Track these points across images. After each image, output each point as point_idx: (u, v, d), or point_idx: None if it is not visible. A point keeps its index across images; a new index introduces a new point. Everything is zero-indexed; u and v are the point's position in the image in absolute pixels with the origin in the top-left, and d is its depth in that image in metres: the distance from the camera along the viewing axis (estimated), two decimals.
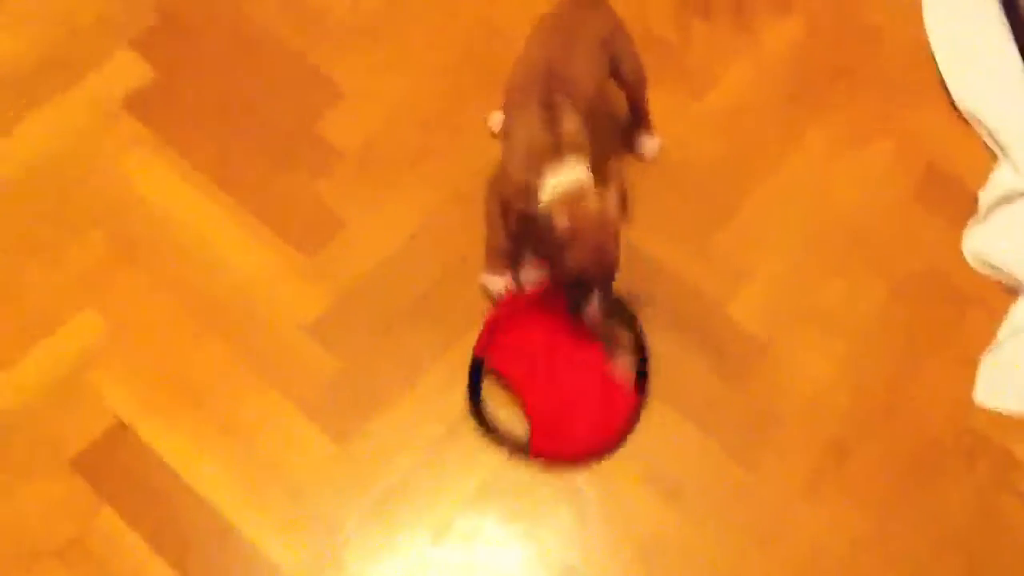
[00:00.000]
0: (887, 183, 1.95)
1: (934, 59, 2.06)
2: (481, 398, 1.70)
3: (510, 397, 1.71)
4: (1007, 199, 1.90)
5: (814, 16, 2.12)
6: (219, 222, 1.89)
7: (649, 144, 1.93)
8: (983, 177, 1.94)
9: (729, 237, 1.88)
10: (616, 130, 1.96)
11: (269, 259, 1.86)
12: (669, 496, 1.66)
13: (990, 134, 1.98)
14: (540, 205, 1.60)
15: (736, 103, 2.02)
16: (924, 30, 2.10)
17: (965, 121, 2.01)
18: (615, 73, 1.80)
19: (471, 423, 1.71)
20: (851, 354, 1.79)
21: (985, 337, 1.79)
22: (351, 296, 1.83)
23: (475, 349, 1.72)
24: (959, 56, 2.06)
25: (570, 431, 1.67)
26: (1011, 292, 1.83)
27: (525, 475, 1.68)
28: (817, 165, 1.97)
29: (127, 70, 2.03)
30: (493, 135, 1.93)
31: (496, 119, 1.95)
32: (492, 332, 1.73)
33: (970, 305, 1.83)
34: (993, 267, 1.84)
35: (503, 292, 1.76)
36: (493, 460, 1.69)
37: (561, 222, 1.57)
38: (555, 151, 1.62)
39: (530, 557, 1.61)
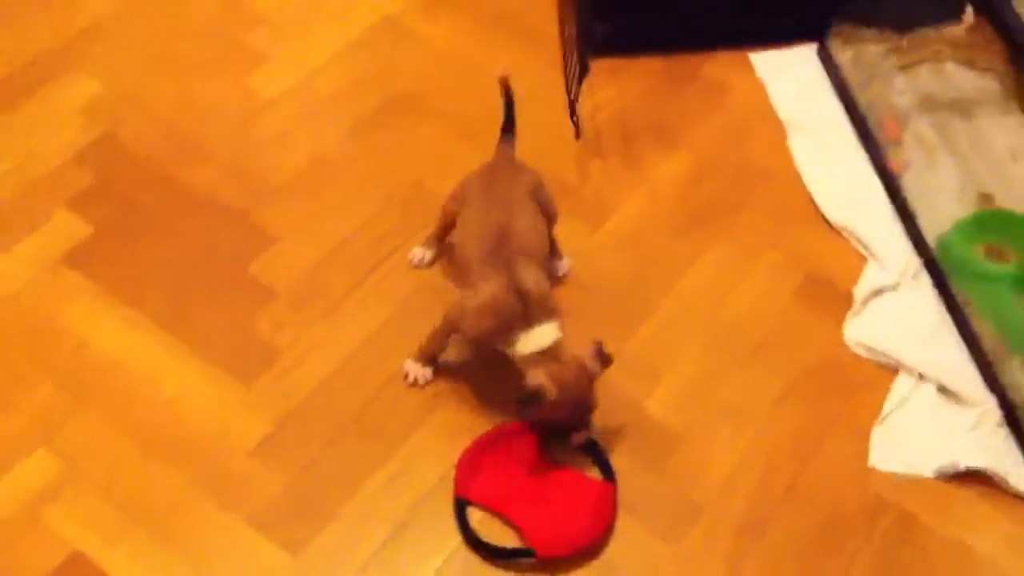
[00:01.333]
0: (774, 291, 2.17)
1: (806, 187, 2.33)
2: (473, 530, 1.79)
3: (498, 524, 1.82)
4: (877, 292, 2.14)
5: (699, 154, 2.39)
6: (162, 361, 2.01)
7: (561, 264, 2.13)
8: (856, 278, 2.18)
9: (640, 343, 2.06)
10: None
11: (211, 392, 1.97)
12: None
13: (858, 241, 2.24)
14: (527, 376, 1.76)
15: (633, 229, 2.24)
16: (795, 164, 2.38)
17: (837, 233, 2.26)
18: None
19: (417, 525, 1.81)
20: (757, 439, 1.96)
21: (874, 412, 1.99)
22: (291, 418, 1.94)
23: (456, 490, 1.83)
24: (825, 180, 2.34)
25: (568, 526, 1.77)
26: (892, 370, 2.04)
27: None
28: (711, 279, 2.18)
29: (66, 228, 2.18)
30: (413, 267, 2.13)
31: (417, 254, 2.13)
32: (468, 470, 1.84)
33: (858, 387, 2.03)
34: (873, 351, 2.06)
35: (420, 380, 1.95)
36: (442, 555, 1.79)
37: (548, 390, 1.74)
38: (524, 316, 1.79)
39: None
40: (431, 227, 2.13)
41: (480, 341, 1.87)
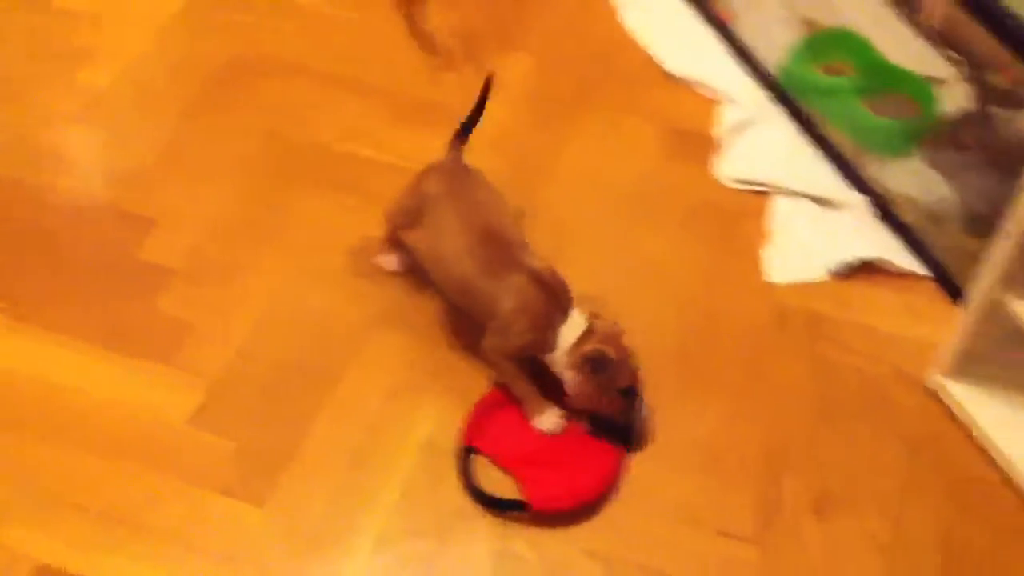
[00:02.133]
0: (644, 151, 2.28)
1: (646, 51, 2.44)
2: (473, 477, 1.81)
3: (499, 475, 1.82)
4: (737, 129, 2.27)
5: (541, 48, 2.47)
6: (82, 369, 1.98)
7: None
8: (714, 122, 2.30)
9: (540, 232, 2.09)
10: None
11: (137, 381, 1.95)
12: None
13: (707, 88, 2.36)
14: (569, 358, 1.73)
15: (499, 131, 2.31)
16: (632, 36, 2.47)
17: (687, 86, 2.38)
18: None
19: (375, 449, 1.86)
20: (668, 284, 2.07)
21: (762, 234, 2.12)
22: (221, 382, 1.95)
23: (464, 439, 1.83)
24: (662, 41, 2.45)
25: (567, 483, 1.76)
26: (769, 196, 2.18)
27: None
28: (585, 158, 2.27)
29: None
30: (389, 272, 2.06)
31: (385, 262, 2.05)
32: (479, 422, 1.84)
33: (741, 216, 2.16)
34: (746, 182, 2.19)
35: (558, 423, 1.83)
36: (405, 470, 1.84)
37: (608, 351, 1.71)
38: (560, 308, 1.75)
39: None
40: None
41: (525, 349, 1.78)
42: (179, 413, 1.91)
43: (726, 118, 2.29)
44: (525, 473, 1.79)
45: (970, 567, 1.71)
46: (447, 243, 1.82)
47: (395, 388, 1.93)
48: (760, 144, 2.24)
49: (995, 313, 1.71)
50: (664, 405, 1.90)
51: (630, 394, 1.78)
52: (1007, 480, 1.79)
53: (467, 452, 1.83)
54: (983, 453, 1.82)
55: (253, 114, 2.36)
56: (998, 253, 1.64)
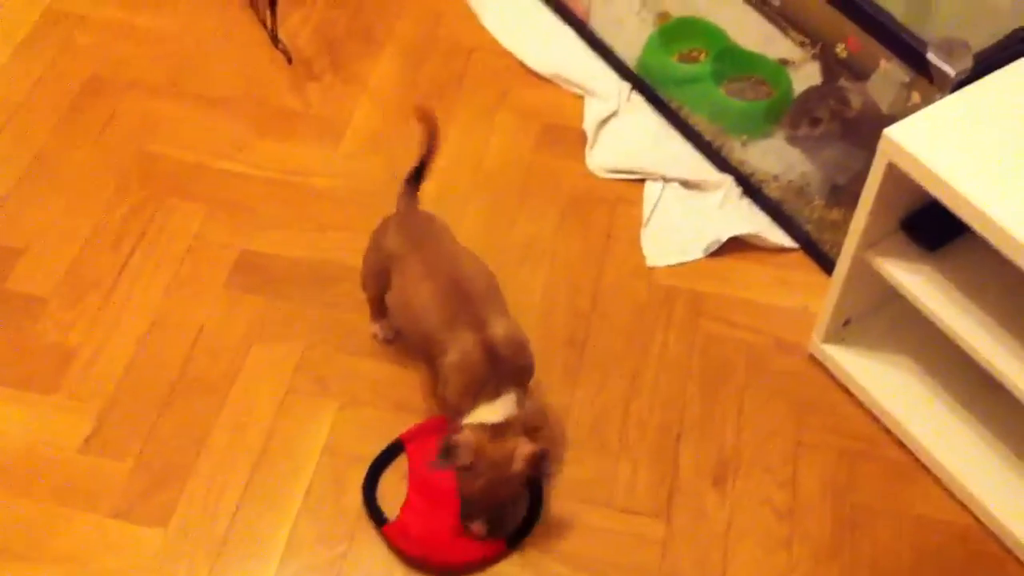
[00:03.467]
0: (517, 145, 2.31)
1: (509, 51, 2.48)
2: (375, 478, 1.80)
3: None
4: (603, 122, 2.34)
5: (404, 50, 2.48)
6: None
7: None
8: (581, 116, 2.36)
9: None
10: None
11: (24, 414, 1.89)
12: None
13: (570, 84, 2.42)
14: (460, 430, 1.64)
15: (371, 135, 2.31)
16: (493, 36, 2.51)
17: (551, 83, 2.43)
18: None
19: (275, 451, 1.84)
20: (552, 269, 2.11)
21: (638, 220, 2.18)
22: (112, 404, 1.90)
23: (403, 434, 1.82)
24: (523, 41, 2.49)
25: (429, 533, 1.73)
26: (640, 183, 2.25)
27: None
28: (460, 151, 2.29)
29: None
30: (382, 341, 1.98)
31: (379, 331, 1.97)
32: (424, 428, 1.83)
33: (616, 203, 2.22)
34: (617, 170, 2.26)
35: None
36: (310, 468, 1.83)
37: (464, 454, 1.62)
38: (494, 384, 1.66)
39: None
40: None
41: (456, 408, 1.71)
42: (70, 441, 1.86)
43: (590, 111, 2.35)
44: (412, 499, 1.78)
45: (864, 523, 1.80)
46: (412, 295, 1.76)
47: (287, 396, 1.92)
48: (625, 134, 2.31)
49: (863, 275, 1.81)
50: (556, 390, 1.94)
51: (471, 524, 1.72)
52: (891, 437, 1.89)
53: (397, 445, 1.82)
54: (867, 413, 1.91)
55: (118, 134, 2.30)
56: (860, 214, 1.73)
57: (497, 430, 1.65)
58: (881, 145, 1.64)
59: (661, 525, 1.79)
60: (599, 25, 2.49)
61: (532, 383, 1.81)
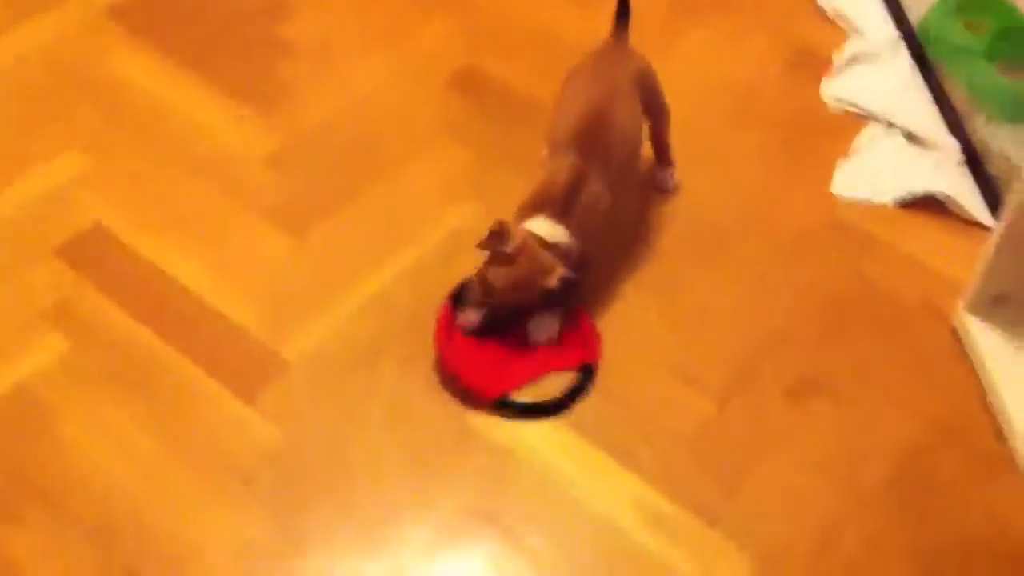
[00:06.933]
0: (765, 59, 2.31)
1: None
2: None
3: None
4: (855, 59, 2.28)
5: None
6: (188, 95, 2.21)
7: (667, 176, 2.04)
8: (836, 48, 2.32)
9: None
10: None
11: (219, 112, 2.18)
12: None
13: (845, 20, 2.37)
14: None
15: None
16: None
17: (826, 18, 2.39)
18: (644, 108, 1.90)
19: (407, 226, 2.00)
20: (738, 172, 2.11)
21: (844, 151, 2.12)
22: (301, 138, 2.13)
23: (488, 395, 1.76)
24: None
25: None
26: (862, 120, 2.17)
27: None
28: (709, 51, 2.33)
29: None
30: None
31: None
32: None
33: (832, 131, 2.17)
34: (847, 102, 2.20)
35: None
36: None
37: (511, 239, 1.69)
38: (560, 208, 1.74)
39: None
40: None
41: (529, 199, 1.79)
42: (259, 151, 2.11)
43: (849, 47, 2.30)
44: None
45: (926, 500, 1.67)
46: (564, 104, 1.85)
47: (439, 190, 2.05)
48: (874, 75, 2.24)
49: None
50: (686, 265, 1.94)
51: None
52: (997, 428, 1.74)
53: (503, 403, 1.76)
54: (982, 395, 1.77)
55: None
56: None
57: (546, 245, 1.72)
58: None
59: (714, 406, 1.76)
60: None
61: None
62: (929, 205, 2.04)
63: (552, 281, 1.70)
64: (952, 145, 2.11)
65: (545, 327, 1.81)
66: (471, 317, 1.79)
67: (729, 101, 2.23)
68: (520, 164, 2.00)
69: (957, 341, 1.84)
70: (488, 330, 1.80)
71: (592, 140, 1.78)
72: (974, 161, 2.08)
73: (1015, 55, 2.19)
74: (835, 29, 2.38)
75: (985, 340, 1.79)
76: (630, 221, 2.00)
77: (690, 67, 2.28)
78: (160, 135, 2.13)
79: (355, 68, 2.29)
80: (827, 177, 2.09)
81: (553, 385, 1.77)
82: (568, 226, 1.75)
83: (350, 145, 2.13)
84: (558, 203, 1.75)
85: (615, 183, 1.82)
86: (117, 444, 1.69)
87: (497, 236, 1.70)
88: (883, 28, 2.34)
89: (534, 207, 1.76)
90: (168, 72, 2.25)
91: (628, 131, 1.85)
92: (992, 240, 1.74)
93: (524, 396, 1.76)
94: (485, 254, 1.74)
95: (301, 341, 1.82)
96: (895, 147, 2.12)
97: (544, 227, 1.74)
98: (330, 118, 2.18)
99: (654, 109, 1.95)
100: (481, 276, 1.75)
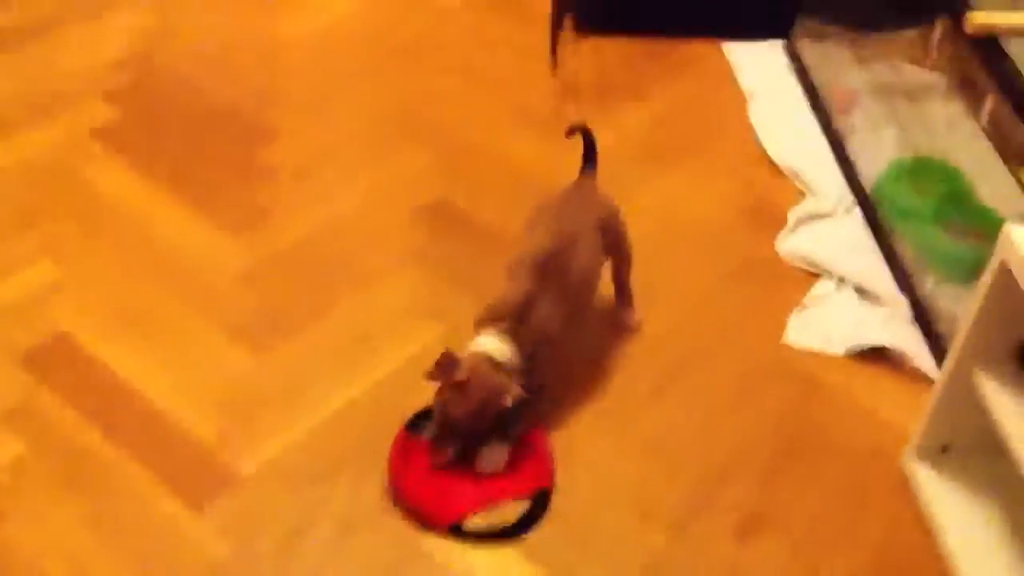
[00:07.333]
0: (727, 208, 2.42)
1: (759, 140, 2.60)
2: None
3: None
4: (811, 217, 2.38)
5: (665, 107, 2.67)
6: (166, 213, 2.28)
7: (629, 315, 2.11)
8: (792, 204, 2.43)
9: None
10: None
11: (196, 230, 2.25)
12: None
13: (801, 181, 2.48)
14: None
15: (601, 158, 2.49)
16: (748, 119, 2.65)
17: (783, 175, 2.51)
18: (607, 249, 1.98)
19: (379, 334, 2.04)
20: (695, 307, 2.19)
21: (796, 303, 2.20)
22: (274, 258, 2.19)
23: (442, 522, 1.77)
24: (776, 133, 2.60)
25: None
26: (817, 275, 2.26)
27: None
28: (680, 193, 2.45)
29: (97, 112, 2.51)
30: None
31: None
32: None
33: (785, 279, 2.25)
34: (801, 258, 2.28)
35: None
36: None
37: (460, 368, 1.74)
38: (511, 328, 1.78)
39: None
40: None
41: (479, 318, 1.85)
42: (228, 266, 2.18)
43: (805, 206, 2.40)
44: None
45: None
46: (531, 237, 1.92)
47: (404, 313, 2.11)
48: (827, 232, 2.34)
49: (969, 399, 1.71)
50: (641, 396, 1.99)
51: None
52: (943, 570, 1.75)
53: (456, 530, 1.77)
54: (932, 539, 1.80)
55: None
56: (965, 320, 1.67)
57: (496, 365, 1.75)
58: (1000, 240, 1.58)
59: (663, 538, 1.77)
60: (853, 147, 2.54)
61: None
62: (879, 355, 2.10)
63: (507, 401, 1.74)
64: (903, 301, 2.18)
65: (493, 459, 1.83)
66: (446, 452, 1.80)
67: (689, 244, 2.32)
68: (483, 290, 2.05)
69: (907, 485, 1.87)
70: (465, 457, 1.81)
71: (549, 269, 1.84)
72: (923, 319, 2.16)
73: (962, 219, 2.30)
74: (792, 188, 2.48)
75: (932, 487, 1.83)
76: (588, 352, 2.06)
77: (654, 209, 2.38)
78: (134, 250, 2.19)
79: (332, 193, 2.37)
80: (780, 322, 2.16)
81: (509, 509, 1.78)
82: (517, 344, 1.79)
83: (320, 266, 2.19)
84: (510, 319, 1.80)
85: (569, 314, 1.88)
86: (60, 548, 1.67)
87: (445, 366, 1.73)
88: (836, 189, 2.45)
89: (486, 321, 1.82)
90: (147, 191, 2.32)
91: (585, 266, 1.90)
92: (933, 394, 1.79)
93: (478, 521, 1.76)
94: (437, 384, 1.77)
95: (256, 455, 1.83)
96: (847, 302, 2.19)
97: (493, 344, 1.78)
98: (303, 240, 2.25)
99: (616, 252, 2.03)
100: (439, 406, 1.78)
